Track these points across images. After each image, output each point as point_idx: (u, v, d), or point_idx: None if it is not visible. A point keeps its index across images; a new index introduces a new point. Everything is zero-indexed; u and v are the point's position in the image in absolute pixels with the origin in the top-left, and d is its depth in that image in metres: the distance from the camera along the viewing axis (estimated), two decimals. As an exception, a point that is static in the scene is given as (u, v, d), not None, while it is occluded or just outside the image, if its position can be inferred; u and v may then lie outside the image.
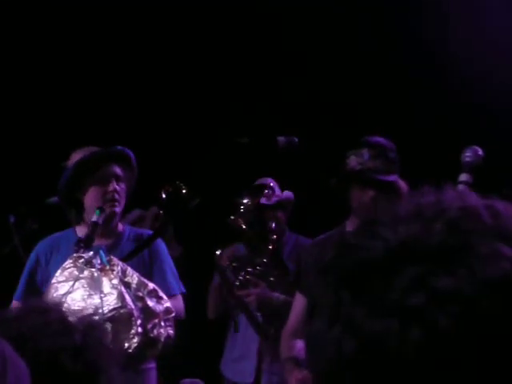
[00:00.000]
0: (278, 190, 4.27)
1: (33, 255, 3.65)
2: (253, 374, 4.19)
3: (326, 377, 0.85)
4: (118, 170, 3.59)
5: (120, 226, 3.69)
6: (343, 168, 3.21)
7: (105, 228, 3.57)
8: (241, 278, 4.18)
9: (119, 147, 3.63)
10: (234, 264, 4.17)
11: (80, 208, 3.62)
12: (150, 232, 3.79)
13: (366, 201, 3.16)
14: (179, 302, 3.63)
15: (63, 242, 3.63)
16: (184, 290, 3.68)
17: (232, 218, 4.23)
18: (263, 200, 4.22)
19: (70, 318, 1.62)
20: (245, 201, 4.22)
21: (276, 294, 4.09)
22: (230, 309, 4.34)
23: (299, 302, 3.35)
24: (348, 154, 3.22)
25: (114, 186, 3.54)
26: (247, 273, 4.18)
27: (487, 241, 0.82)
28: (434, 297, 0.79)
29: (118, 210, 3.58)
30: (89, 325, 1.61)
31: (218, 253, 4.21)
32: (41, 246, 3.66)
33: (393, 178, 3.18)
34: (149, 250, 3.64)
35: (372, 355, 0.80)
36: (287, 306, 3.86)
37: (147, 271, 3.59)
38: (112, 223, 3.61)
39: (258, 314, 4.14)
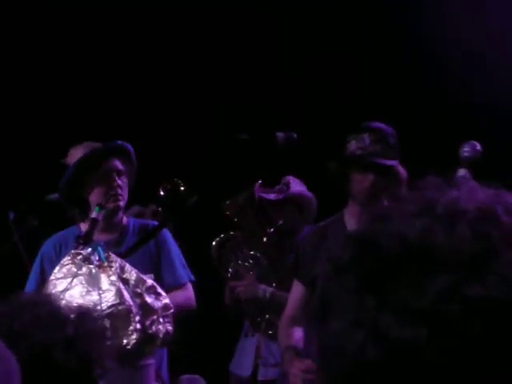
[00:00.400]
0: (296, 187, 4.25)
1: (39, 256, 3.65)
2: (250, 367, 4.19)
3: (343, 376, 0.84)
4: (118, 165, 3.61)
5: (125, 219, 3.72)
6: (343, 152, 3.22)
7: (109, 223, 3.60)
8: (230, 269, 4.20)
9: (119, 141, 3.65)
10: (224, 255, 4.21)
11: (83, 205, 3.63)
12: (155, 222, 3.80)
13: (365, 185, 3.16)
14: (189, 291, 3.66)
15: (70, 239, 3.64)
16: (193, 278, 3.70)
17: (227, 203, 4.25)
18: (271, 196, 4.23)
19: (61, 310, 1.60)
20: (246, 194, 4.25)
21: (263, 287, 4.10)
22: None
23: (297, 290, 3.34)
24: (348, 138, 3.22)
25: (116, 181, 3.56)
26: (238, 265, 4.20)
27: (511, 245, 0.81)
28: (467, 305, 0.78)
29: (121, 203, 3.61)
30: (80, 315, 1.59)
31: (213, 243, 4.24)
32: (48, 246, 3.67)
33: (393, 162, 3.19)
34: (155, 241, 3.66)
35: (399, 361, 0.80)
36: (275, 298, 3.89)
37: (154, 262, 3.62)
38: (116, 217, 3.64)
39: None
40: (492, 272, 0.79)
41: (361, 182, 3.18)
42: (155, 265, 3.61)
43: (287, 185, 4.25)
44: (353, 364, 0.82)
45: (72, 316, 1.56)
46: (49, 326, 1.52)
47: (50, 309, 1.57)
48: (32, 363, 1.39)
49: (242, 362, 4.27)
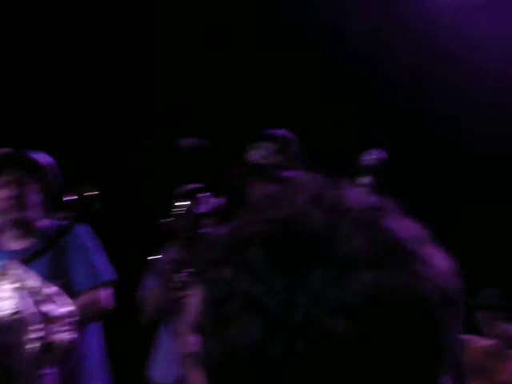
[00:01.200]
0: (211, 198, 4.31)
1: None
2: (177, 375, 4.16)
3: (210, 378, 0.87)
4: (16, 175, 3.57)
5: (42, 223, 3.67)
6: (245, 161, 3.22)
7: (24, 230, 3.57)
8: (179, 280, 4.19)
9: (15, 150, 3.62)
10: (171, 267, 4.20)
11: None
12: (68, 223, 3.76)
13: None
14: (100, 292, 3.61)
15: None
16: (110, 278, 3.65)
17: (165, 220, 4.25)
18: (202, 208, 4.27)
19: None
20: (178, 204, 4.26)
21: None
22: (164, 312, 4.34)
23: (196, 298, 3.32)
24: (251, 146, 3.23)
25: (10, 192, 3.53)
26: (186, 274, 4.20)
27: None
28: (332, 308, 0.80)
29: (23, 213, 3.56)
30: None
31: (157, 257, 4.22)
32: None
33: (295, 173, 3.21)
34: (64, 244, 3.62)
35: (242, 366, 0.81)
36: None
37: (64, 266, 3.58)
38: (28, 225, 3.60)
39: None
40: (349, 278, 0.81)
41: (261, 191, 3.19)
42: (65, 268, 3.58)
43: (206, 197, 4.31)
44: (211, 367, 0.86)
45: None
46: None
47: None
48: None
49: (171, 371, 4.23)
